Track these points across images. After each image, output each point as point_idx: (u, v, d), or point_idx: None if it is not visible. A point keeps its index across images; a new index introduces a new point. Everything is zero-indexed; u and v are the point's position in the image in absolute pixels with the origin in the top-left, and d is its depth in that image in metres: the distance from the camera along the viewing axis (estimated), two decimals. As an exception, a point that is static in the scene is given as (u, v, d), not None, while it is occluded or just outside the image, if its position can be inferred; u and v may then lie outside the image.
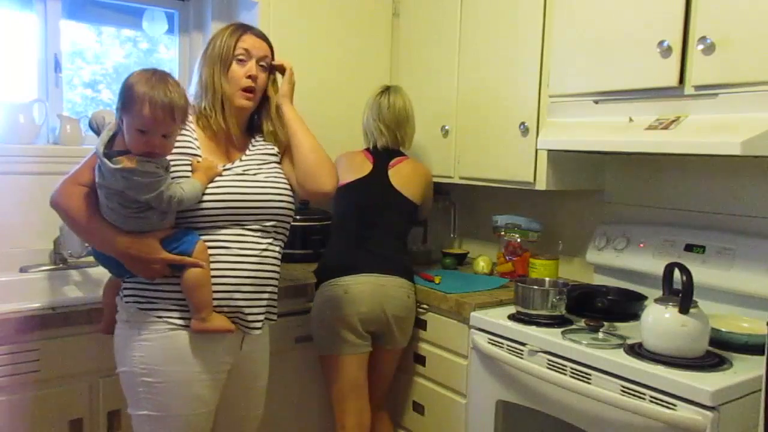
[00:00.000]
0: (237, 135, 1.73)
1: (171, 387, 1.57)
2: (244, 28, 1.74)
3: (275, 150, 1.79)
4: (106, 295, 1.74)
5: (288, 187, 1.76)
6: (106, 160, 1.47)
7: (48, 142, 2.43)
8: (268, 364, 1.83)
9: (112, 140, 1.52)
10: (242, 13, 2.60)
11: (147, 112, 1.46)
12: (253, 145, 1.77)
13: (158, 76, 1.50)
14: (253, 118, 1.80)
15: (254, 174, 1.71)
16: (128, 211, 1.53)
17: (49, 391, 1.82)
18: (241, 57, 1.70)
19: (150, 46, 2.81)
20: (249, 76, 1.69)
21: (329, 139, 2.58)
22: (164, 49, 2.83)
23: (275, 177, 1.74)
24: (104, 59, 2.70)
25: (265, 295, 1.71)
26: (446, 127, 2.56)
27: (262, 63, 1.73)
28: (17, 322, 1.76)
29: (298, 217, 2.57)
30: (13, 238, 2.24)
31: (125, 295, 1.63)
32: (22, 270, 2.26)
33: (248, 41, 1.71)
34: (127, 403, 1.63)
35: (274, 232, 1.73)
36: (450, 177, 2.54)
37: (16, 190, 2.22)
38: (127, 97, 1.48)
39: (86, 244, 2.17)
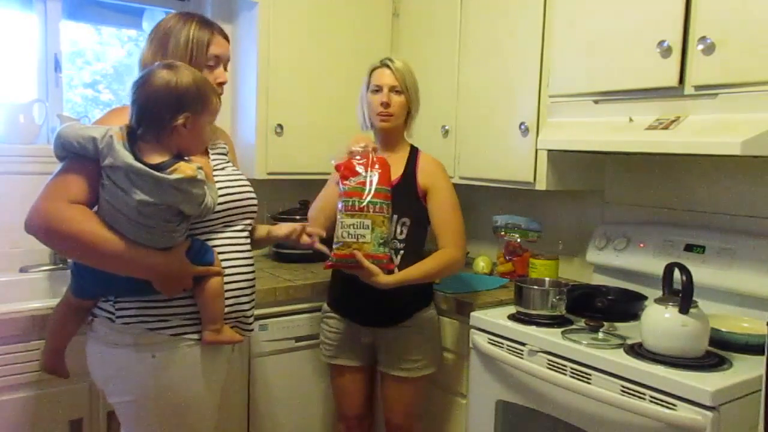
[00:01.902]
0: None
1: (189, 403, 1.52)
2: (210, 28, 1.63)
3: (227, 149, 1.73)
4: (61, 322, 1.56)
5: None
6: (165, 175, 1.35)
7: (48, 142, 2.43)
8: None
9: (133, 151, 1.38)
10: (242, 13, 2.60)
11: (218, 99, 1.46)
12: (213, 146, 1.68)
13: (185, 66, 1.44)
14: None
15: (226, 173, 1.66)
16: (170, 226, 1.41)
17: (49, 391, 1.82)
18: (211, 63, 1.61)
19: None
20: (219, 83, 1.63)
21: (327, 139, 2.60)
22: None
23: (240, 175, 1.70)
24: (104, 59, 2.70)
25: (254, 295, 1.72)
26: (446, 127, 2.56)
27: (227, 67, 1.67)
28: (17, 322, 1.76)
29: (297, 217, 2.58)
30: (13, 238, 2.24)
31: (122, 316, 1.48)
32: (22, 270, 2.26)
33: (218, 46, 1.63)
34: (126, 429, 1.55)
35: (250, 230, 1.72)
36: (450, 177, 2.54)
37: (16, 190, 2.21)
38: (203, 97, 1.41)
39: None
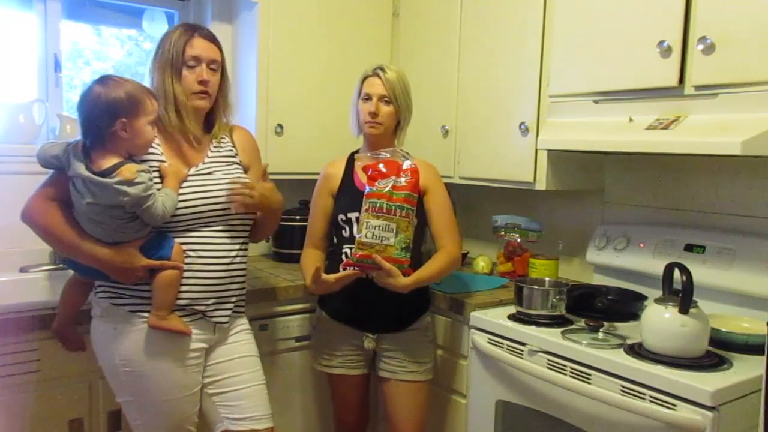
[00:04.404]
0: (195, 133, 1.78)
1: (149, 374, 1.66)
2: (192, 31, 1.76)
3: (234, 152, 1.86)
4: (68, 293, 1.78)
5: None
6: (105, 179, 1.53)
7: (48, 142, 2.43)
8: (252, 335, 1.89)
9: (85, 161, 1.57)
10: (242, 13, 2.60)
11: (154, 101, 1.63)
12: (215, 146, 1.82)
13: (119, 77, 1.62)
14: (208, 117, 1.85)
15: (219, 175, 1.77)
16: (118, 223, 1.59)
17: (49, 391, 1.83)
18: (191, 64, 1.73)
19: (153, 46, 2.81)
20: (200, 82, 1.74)
21: (327, 140, 2.60)
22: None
23: (238, 177, 1.80)
24: (104, 59, 2.70)
25: (234, 293, 1.79)
26: (446, 127, 2.56)
27: (212, 66, 1.77)
28: (17, 322, 1.76)
29: (297, 217, 2.58)
30: (13, 238, 2.23)
31: (99, 291, 1.70)
32: (22, 270, 2.26)
33: (197, 46, 1.74)
34: (114, 392, 1.72)
35: (241, 229, 1.80)
36: (450, 177, 2.54)
37: (16, 190, 2.20)
38: (134, 102, 1.57)
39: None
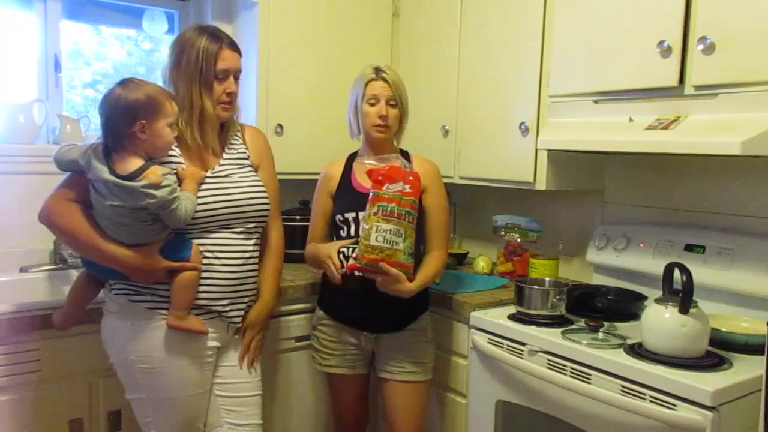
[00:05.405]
0: (213, 142, 1.80)
1: (166, 371, 1.68)
2: (219, 41, 1.75)
3: (247, 153, 1.89)
4: (79, 288, 1.78)
5: (264, 188, 1.86)
6: (131, 183, 1.55)
7: (48, 142, 2.43)
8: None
9: (108, 164, 1.58)
10: (242, 13, 2.60)
11: (173, 104, 1.64)
12: (230, 149, 1.85)
13: (140, 80, 1.63)
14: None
15: (235, 177, 1.80)
16: (142, 225, 1.61)
17: (49, 391, 1.83)
18: (220, 77, 1.75)
19: (153, 46, 2.81)
20: (228, 93, 1.77)
21: (327, 140, 2.60)
22: (167, 48, 2.82)
23: (253, 179, 1.85)
24: (104, 59, 2.70)
25: (247, 294, 1.82)
26: (446, 127, 2.56)
27: (237, 76, 1.80)
28: (17, 322, 1.76)
29: (297, 217, 2.58)
30: (13, 238, 2.24)
31: (115, 288, 1.71)
32: (22, 270, 2.26)
33: (227, 58, 1.75)
34: (125, 389, 1.73)
35: (255, 232, 1.84)
36: (450, 177, 2.54)
37: (16, 190, 2.22)
38: (154, 104, 1.59)
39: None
